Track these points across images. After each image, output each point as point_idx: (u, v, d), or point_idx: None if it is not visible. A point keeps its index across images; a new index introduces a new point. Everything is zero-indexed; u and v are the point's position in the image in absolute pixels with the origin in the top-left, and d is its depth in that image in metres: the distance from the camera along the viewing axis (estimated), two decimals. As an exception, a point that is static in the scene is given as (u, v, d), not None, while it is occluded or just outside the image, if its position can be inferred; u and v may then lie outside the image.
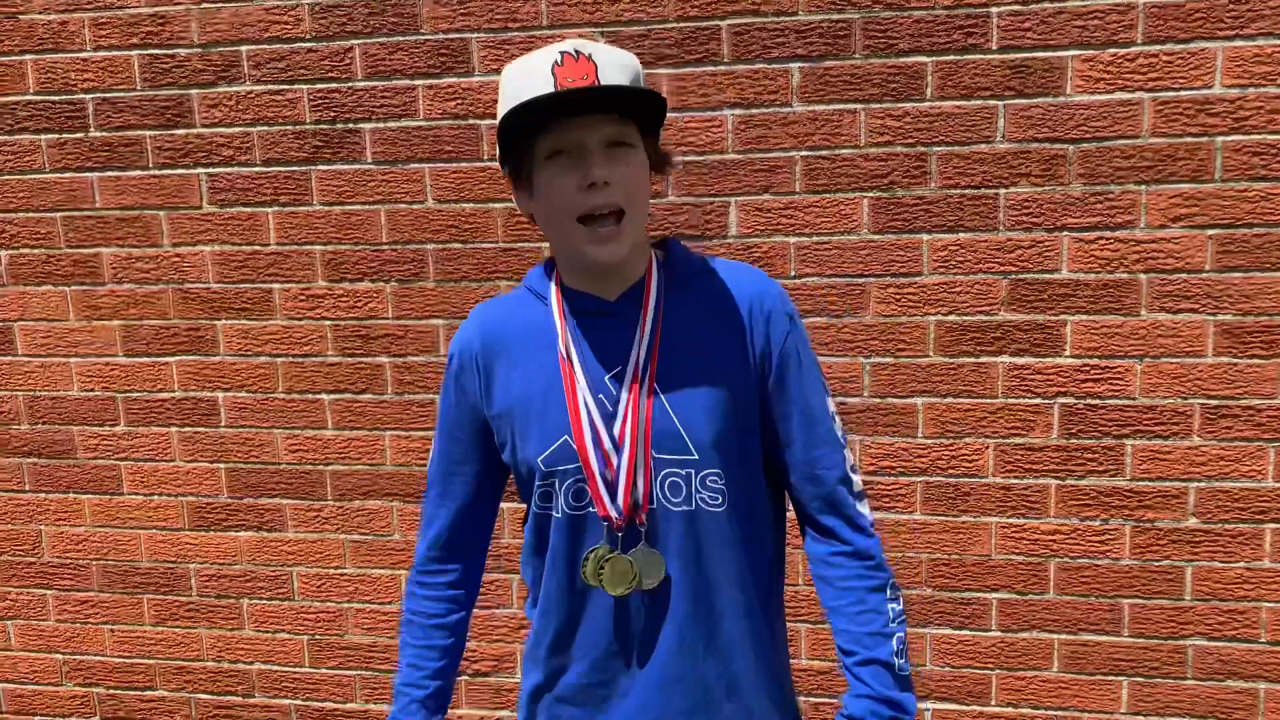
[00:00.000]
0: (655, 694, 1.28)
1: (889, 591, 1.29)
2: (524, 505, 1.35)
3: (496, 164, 2.41)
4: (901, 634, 1.28)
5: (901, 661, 1.27)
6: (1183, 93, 2.17)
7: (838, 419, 1.32)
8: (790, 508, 1.38)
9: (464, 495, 1.39)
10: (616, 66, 1.17)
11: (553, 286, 1.30)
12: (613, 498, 1.24)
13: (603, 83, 1.14)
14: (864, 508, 1.32)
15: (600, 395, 1.24)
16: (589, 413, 1.24)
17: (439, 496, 1.41)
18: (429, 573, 1.42)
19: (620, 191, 1.17)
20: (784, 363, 1.28)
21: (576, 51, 1.15)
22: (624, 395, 1.23)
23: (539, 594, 1.35)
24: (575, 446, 1.24)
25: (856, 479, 1.32)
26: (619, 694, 1.30)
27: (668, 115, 2.30)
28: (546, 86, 1.14)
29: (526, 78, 1.16)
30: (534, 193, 1.22)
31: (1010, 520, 2.39)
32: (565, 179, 1.17)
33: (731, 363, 1.26)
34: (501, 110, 1.21)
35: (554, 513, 1.28)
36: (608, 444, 1.23)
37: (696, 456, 1.23)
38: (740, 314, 1.27)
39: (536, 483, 1.28)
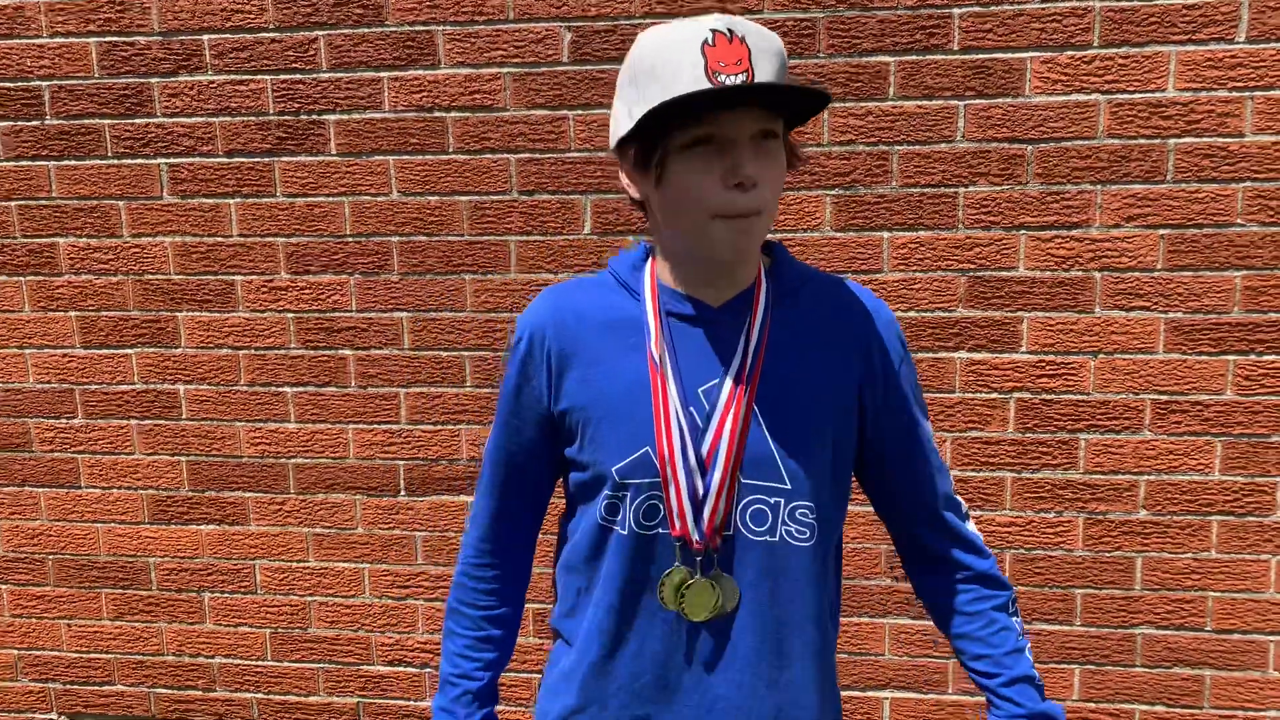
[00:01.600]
0: None
1: (1011, 607, 1.27)
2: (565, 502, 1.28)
3: (469, 156, 2.41)
4: (1029, 645, 1.27)
5: (1036, 672, 1.25)
6: (1137, 95, 2.22)
7: (936, 445, 1.28)
8: (890, 541, 1.33)
9: (517, 489, 1.30)
10: (769, 53, 1.05)
11: (647, 280, 1.19)
12: (696, 520, 1.14)
13: (755, 70, 1.03)
14: (974, 528, 1.28)
15: (691, 408, 1.15)
16: (679, 426, 1.14)
17: (489, 487, 1.31)
18: (479, 565, 1.33)
19: (766, 192, 1.07)
20: (896, 392, 1.21)
21: (730, 31, 1.03)
22: (718, 411, 1.14)
23: (580, 608, 1.25)
24: (658, 460, 1.14)
25: (961, 501, 1.29)
26: None
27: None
28: (697, 68, 1.02)
29: (675, 55, 1.04)
30: (663, 181, 1.09)
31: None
32: (709, 172, 1.06)
33: (838, 388, 1.18)
34: (636, 86, 1.08)
35: (618, 528, 1.18)
36: (694, 461, 1.14)
37: (789, 486, 1.15)
38: (852, 336, 1.19)
39: (605, 492, 1.18)
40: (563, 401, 1.20)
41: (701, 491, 1.14)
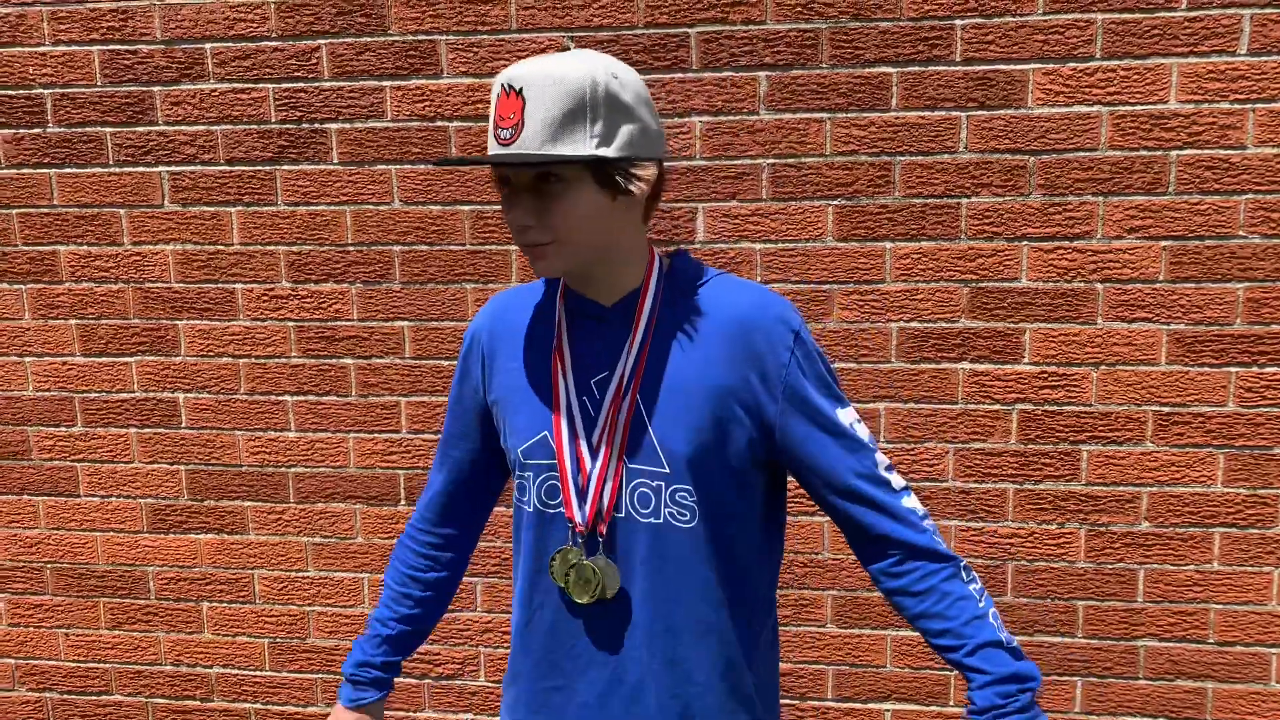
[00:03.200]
0: (600, 705, 1.28)
1: (964, 574, 1.26)
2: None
3: (464, 167, 2.41)
4: (993, 608, 1.25)
5: (1006, 635, 1.23)
6: (1139, 107, 2.22)
7: (859, 425, 1.28)
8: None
9: (458, 469, 1.43)
10: (549, 101, 1.13)
11: (561, 283, 1.32)
12: (581, 502, 1.25)
13: (526, 123, 1.13)
14: (911, 502, 1.27)
15: (584, 398, 1.26)
16: (570, 413, 1.25)
17: (439, 463, 1.45)
18: (418, 529, 1.48)
19: (545, 231, 1.17)
20: (790, 385, 1.24)
21: (509, 87, 1.14)
22: (606, 402, 1.24)
23: (516, 585, 1.37)
24: (553, 444, 1.26)
25: (894, 476, 1.28)
26: (568, 700, 1.31)
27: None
28: (491, 120, 1.18)
29: (492, 97, 1.20)
30: None
31: (969, 524, 2.43)
32: (504, 209, 1.20)
33: (723, 381, 1.23)
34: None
35: (525, 506, 1.30)
36: (584, 448, 1.25)
37: (668, 470, 1.23)
38: (738, 333, 1.24)
39: (516, 473, 1.31)
40: (492, 393, 1.35)
41: (586, 477, 1.25)
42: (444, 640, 2.65)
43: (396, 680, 2.68)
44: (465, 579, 2.57)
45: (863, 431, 1.28)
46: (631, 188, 1.20)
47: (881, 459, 1.28)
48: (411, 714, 2.71)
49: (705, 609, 1.27)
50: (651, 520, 1.24)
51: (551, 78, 1.13)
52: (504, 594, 2.62)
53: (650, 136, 1.20)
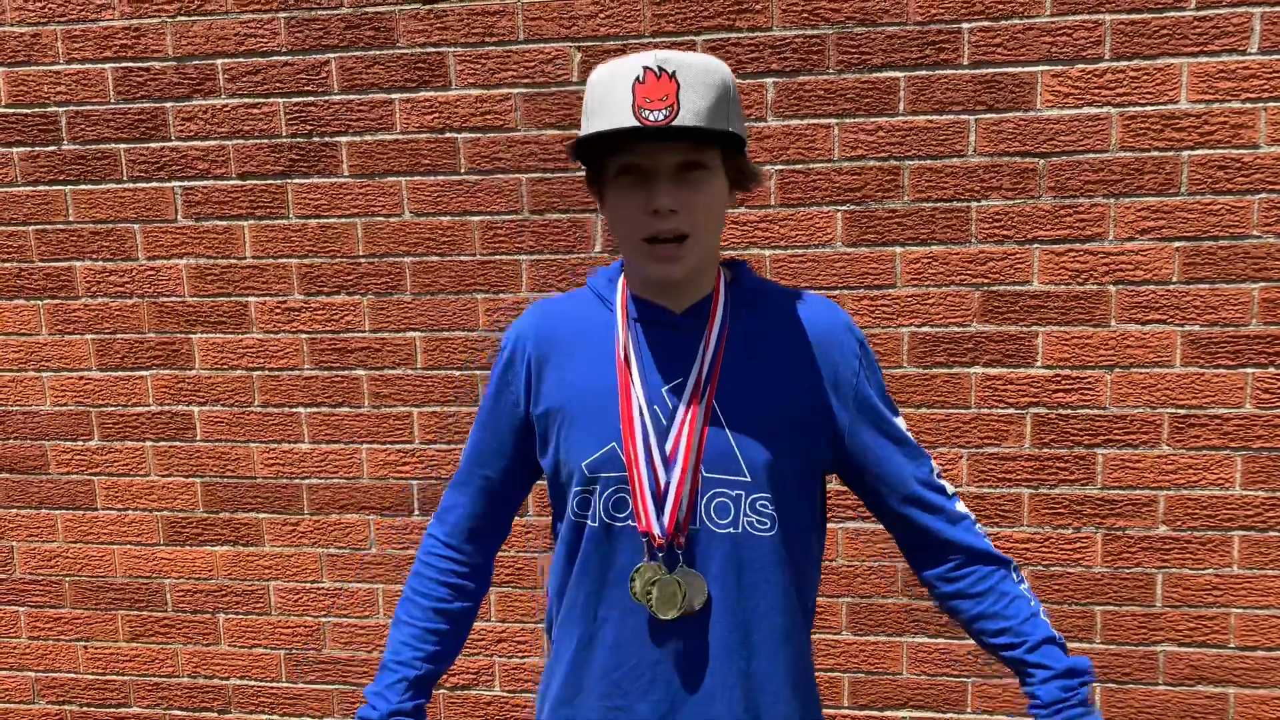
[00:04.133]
0: (677, 716, 1.25)
1: (1015, 575, 1.30)
2: (549, 519, 1.33)
3: (481, 176, 2.43)
4: (1041, 606, 1.30)
5: (1056, 632, 1.28)
6: (1149, 108, 2.21)
7: (909, 432, 1.32)
8: (885, 531, 1.38)
9: (489, 487, 1.37)
10: (701, 87, 1.13)
11: (618, 291, 1.28)
12: (659, 514, 1.21)
13: (682, 105, 1.11)
14: (962, 507, 1.32)
15: (655, 407, 1.22)
16: (643, 423, 1.21)
17: (464, 483, 1.39)
18: (439, 556, 1.39)
19: (685, 218, 1.16)
20: (865, 403, 1.27)
21: (660, 68, 1.12)
22: (680, 410, 1.21)
23: (561, 602, 1.32)
24: (624, 455, 1.22)
25: (946, 483, 1.32)
26: (639, 715, 1.27)
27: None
28: (625, 105, 1.12)
29: (608, 92, 1.15)
30: (604, 204, 1.23)
31: (984, 529, 2.41)
32: (632, 200, 1.16)
33: (795, 389, 1.24)
34: (584, 118, 1.21)
35: (590, 521, 1.25)
36: (658, 458, 1.21)
37: (749, 479, 1.21)
38: (810, 341, 1.25)
39: (575, 487, 1.25)
40: (539, 405, 1.29)
41: (663, 487, 1.21)
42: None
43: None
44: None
45: (912, 438, 1.32)
46: (752, 183, 1.24)
47: (935, 465, 1.32)
48: (427, 724, 2.72)
49: (779, 619, 1.27)
50: (730, 530, 1.22)
51: (701, 65, 1.15)
52: (517, 604, 2.62)
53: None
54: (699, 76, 1.13)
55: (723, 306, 1.25)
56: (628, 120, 1.12)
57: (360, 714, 1.34)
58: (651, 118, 1.11)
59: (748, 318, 1.26)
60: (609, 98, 1.15)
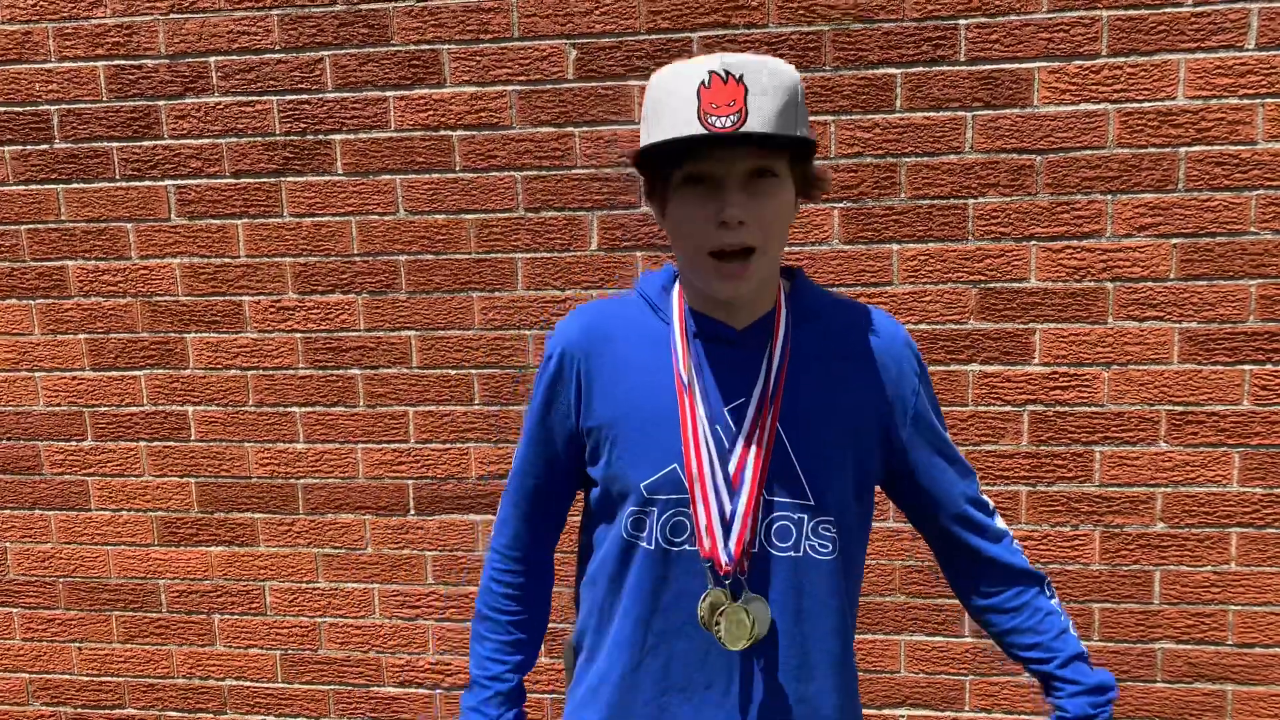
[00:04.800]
0: None
1: (1048, 591, 1.32)
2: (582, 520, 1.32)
3: (476, 175, 2.41)
4: (1071, 621, 1.33)
5: (1084, 647, 1.31)
6: (1146, 104, 2.20)
7: (959, 450, 1.33)
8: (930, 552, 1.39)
9: (540, 500, 1.35)
10: (770, 91, 1.08)
11: (674, 303, 1.23)
12: (725, 540, 1.16)
13: (750, 109, 1.06)
14: (1001, 523, 1.33)
15: (717, 427, 1.18)
16: (707, 444, 1.17)
17: (516, 497, 1.36)
18: (503, 570, 1.37)
19: (756, 231, 1.11)
20: (923, 419, 1.27)
21: (726, 72, 1.07)
22: (743, 431, 1.17)
23: (605, 622, 1.28)
24: (686, 478, 1.17)
25: (989, 500, 1.34)
26: None
27: (641, 127, 2.31)
28: (690, 109, 1.07)
29: (671, 96, 1.10)
30: (666, 213, 1.17)
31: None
32: (698, 210, 1.11)
33: (858, 406, 1.22)
34: (644, 125, 1.15)
35: (644, 543, 1.21)
36: (722, 481, 1.17)
37: (813, 502, 1.19)
38: (872, 357, 1.23)
39: (630, 507, 1.21)
40: (591, 419, 1.24)
41: (730, 511, 1.16)
42: (454, 650, 2.64)
43: (406, 691, 2.68)
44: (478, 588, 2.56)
45: (962, 454, 1.33)
46: (818, 190, 1.20)
47: (978, 483, 1.34)
48: (424, 725, 2.71)
49: (834, 642, 1.26)
50: (790, 554, 1.20)
51: (768, 68, 1.09)
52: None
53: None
54: (767, 80, 1.08)
55: (784, 323, 1.21)
56: (694, 127, 1.07)
57: None
58: (719, 124, 1.06)
59: (808, 332, 1.22)
60: (672, 103, 1.09)
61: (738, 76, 1.07)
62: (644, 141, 1.14)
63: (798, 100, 1.11)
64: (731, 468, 1.17)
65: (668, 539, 1.20)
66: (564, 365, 1.26)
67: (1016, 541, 1.34)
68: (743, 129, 1.06)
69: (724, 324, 1.20)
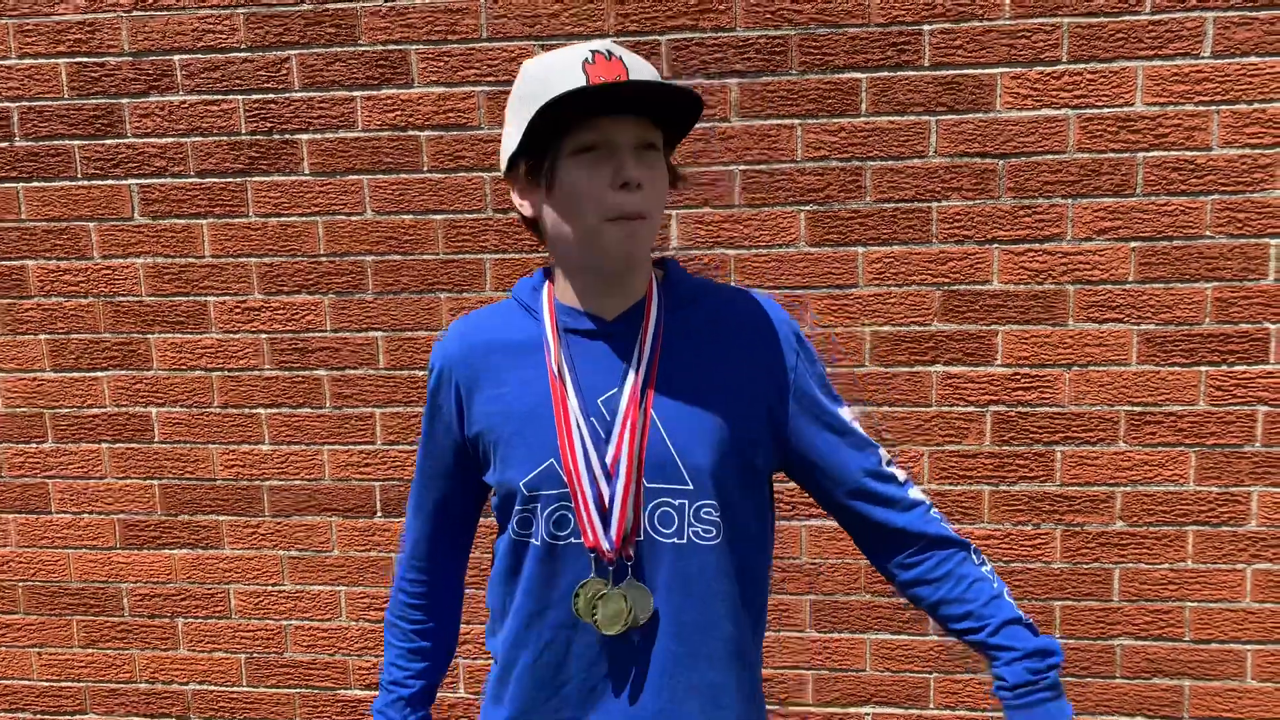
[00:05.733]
0: None
1: (975, 557, 1.26)
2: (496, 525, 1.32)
3: (444, 175, 2.41)
4: (1006, 588, 1.26)
5: (1023, 613, 1.24)
6: (1106, 110, 2.24)
7: (857, 423, 1.28)
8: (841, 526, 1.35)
9: (439, 510, 1.36)
10: (647, 73, 1.13)
11: (545, 300, 1.24)
12: (605, 528, 1.17)
13: (634, 79, 1.10)
14: (917, 493, 1.28)
15: (592, 419, 1.19)
16: (581, 436, 1.18)
17: (416, 508, 1.38)
18: (409, 580, 1.40)
19: (649, 197, 1.13)
20: (807, 397, 1.24)
21: (609, 52, 1.11)
22: (618, 419, 1.18)
23: (506, 623, 1.29)
24: (564, 471, 1.18)
25: (898, 470, 1.28)
26: None
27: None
28: (579, 79, 1.09)
29: (555, 74, 1.11)
30: (552, 190, 1.15)
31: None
32: (596, 176, 1.11)
33: (735, 389, 1.21)
34: (524, 106, 1.14)
35: (532, 540, 1.22)
36: (599, 471, 1.18)
37: (691, 487, 1.18)
38: (748, 339, 1.23)
39: (516, 507, 1.22)
40: (473, 426, 1.25)
41: (607, 500, 1.18)
42: (422, 652, 2.63)
43: (373, 693, 2.66)
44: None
45: (861, 429, 1.28)
46: (680, 181, 1.22)
47: (884, 454, 1.29)
48: (391, 727, 2.69)
49: (730, 628, 1.24)
50: (674, 540, 1.19)
51: (640, 60, 1.16)
52: (481, 606, 2.60)
53: None
54: (643, 66, 1.15)
55: (656, 309, 1.22)
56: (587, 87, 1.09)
57: None
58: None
59: (682, 318, 1.23)
60: (557, 79, 1.10)
61: (619, 56, 1.12)
62: (524, 123, 1.12)
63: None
64: (608, 457, 1.18)
65: (553, 534, 1.20)
66: (442, 378, 1.27)
67: (937, 511, 1.28)
68: (644, 80, 1.09)
69: (596, 315, 1.21)
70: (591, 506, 1.17)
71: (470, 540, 1.42)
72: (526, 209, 1.21)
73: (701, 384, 1.20)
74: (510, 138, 1.19)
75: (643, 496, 1.18)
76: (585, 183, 1.12)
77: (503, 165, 1.22)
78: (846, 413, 1.28)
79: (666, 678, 1.22)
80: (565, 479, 1.18)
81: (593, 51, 1.11)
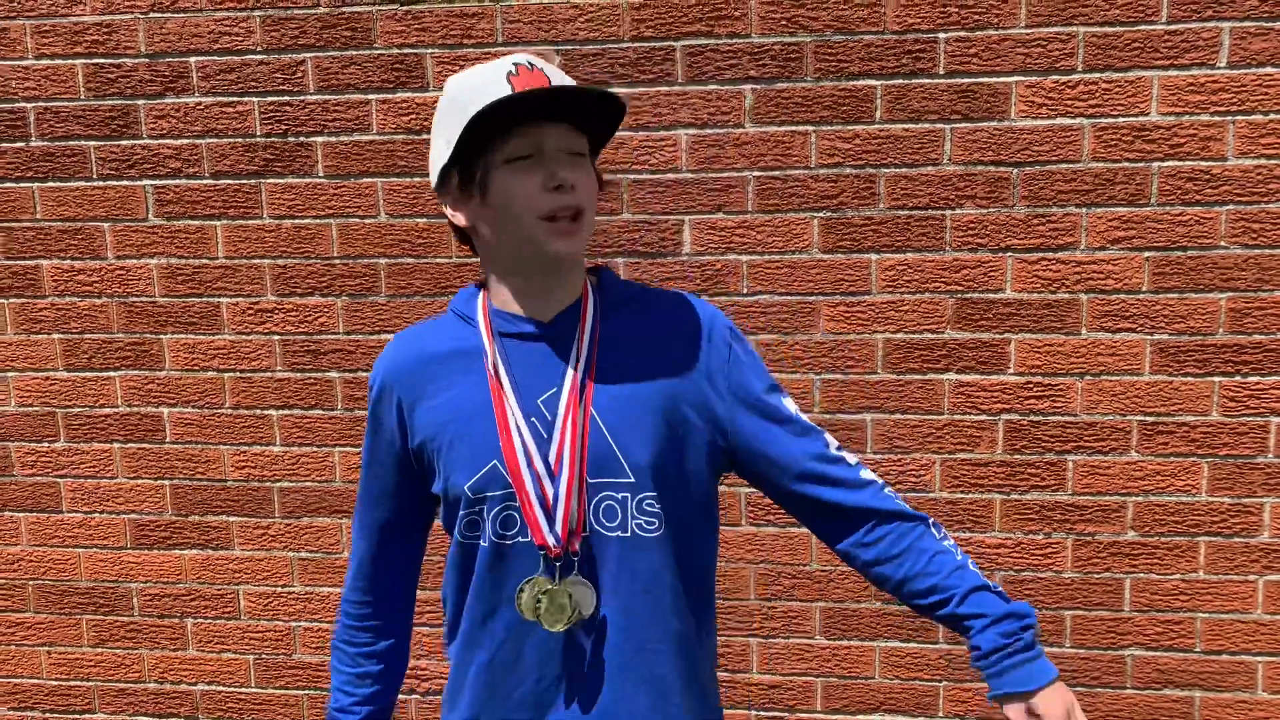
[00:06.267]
0: None
1: (935, 531, 1.25)
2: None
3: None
4: (970, 559, 1.25)
5: (991, 580, 1.23)
6: (1121, 119, 2.24)
7: (801, 414, 1.29)
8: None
9: (384, 529, 1.35)
10: (568, 82, 1.19)
11: (480, 307, 1.27)
12: (550, 525, 1.20)
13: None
14: (868, 474, 1.27)
15: (533, 418, 1.21)
16: (521, 436, 1.20)
17: (360, 526, 1.37)
18: (354, 602, 1.39)
19: (582, 194, 1.18)
20: (733, 381, 1.26)
21: (530, 63, 1.16)
22: (559, 417, 1.20)
23: (460, 627, 1.30)
24: (507, 471, 1.20)
25: (848, 454, 1.28)
26: None
27: (621, 134, 2.32)
28: (505, 90, 1.13)
29: (481, 87, 1.15)
30: (487, 198, 1.19)
31: (956, 534, 2.43)
32: (529, 180, 1.16)
33: (671, 386, 1.24)
34: (453, 119, 1.17)
35: (480, 542, 1.24)
36: (541, 468, 1.20)
37: (633, 479, 1.21)
38: (681, 337, 1.26)
39: (462, 511, 1.23)
40: (415, 437, 1.27)
41: (551, 497, 1.20)
42: (430, 654, 2.63)
43: (403, 698, 2.66)
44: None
45: (805, 417, 1.29)
46: (604, 186, 1.27)
47: (831, 440, 1.29)
48: (398, 730, 2.70)
49: (676, 622, 1.26)
50: (619, 534, 1.22)
51: (562, 73, 1.20)
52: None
53: None
54: (562, 76, 1.19)
55: (592, 309, 1.25)
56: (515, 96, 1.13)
57: None
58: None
59: (617, 320, 1.26)
60: (482, 92, 1.13)
61: (540, 68, 1.17)
62: (458, 129, 1.15)
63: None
64: (551, 455, 1.20)
65: (500, 534, 1.22)
66: (383, 394, 1.29)
67: (891, 489, 1.27)
68: (567, 85, 1.15)
69: (529, 319, 1.24)
70: (535, 504, 1.20)
71: (418, 561, 1.41)
72: (460, 219, 1.24)
73: (637, 380, 1.23)
74: (439, 151, 1.22)
75: (586, 492, 1.20)
76: (519, 188, 1.16)
77: (433, 179, 1.25)
78: (789, 403, 1.29)
79: (617, 670, 1.24)
80: (509, 479, 1.20)
81: (515, 64, 1.15)
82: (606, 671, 1.23)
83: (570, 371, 1.21)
